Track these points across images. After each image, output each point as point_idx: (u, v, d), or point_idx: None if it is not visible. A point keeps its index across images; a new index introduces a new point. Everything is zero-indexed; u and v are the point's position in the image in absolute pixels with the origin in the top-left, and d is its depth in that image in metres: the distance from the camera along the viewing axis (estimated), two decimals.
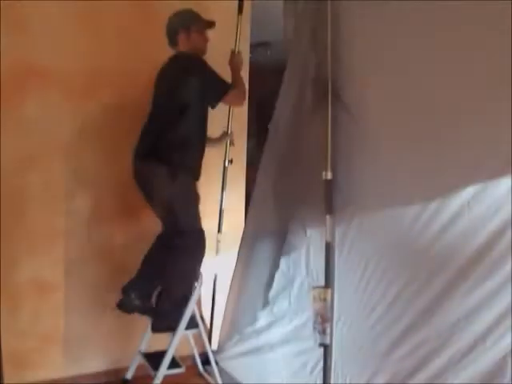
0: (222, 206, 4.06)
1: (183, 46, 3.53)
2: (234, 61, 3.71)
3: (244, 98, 3.65)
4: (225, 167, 4.04)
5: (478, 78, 2.23)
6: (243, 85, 3.66)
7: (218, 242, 4.01)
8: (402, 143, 2.60)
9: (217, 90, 3.42)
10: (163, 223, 3.50)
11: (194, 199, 3.44)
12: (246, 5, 4.01)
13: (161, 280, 3.53)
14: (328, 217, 2.91)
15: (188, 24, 3.53)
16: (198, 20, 3.59)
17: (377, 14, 2.74)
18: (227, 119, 4.00)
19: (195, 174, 3.47)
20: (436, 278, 2.36)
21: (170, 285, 3.50)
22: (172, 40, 3.54)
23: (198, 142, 3.48)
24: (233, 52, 3.78)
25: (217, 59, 3.53)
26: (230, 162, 4.06)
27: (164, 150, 3.37)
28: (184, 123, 3.37)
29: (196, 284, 3.52)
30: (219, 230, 4.05)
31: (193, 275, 3.52)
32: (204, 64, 3.41)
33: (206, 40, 3.61)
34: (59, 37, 3.60)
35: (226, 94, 3.42)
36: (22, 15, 3.49)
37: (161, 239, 3.52)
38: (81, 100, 3.69)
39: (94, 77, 3.71)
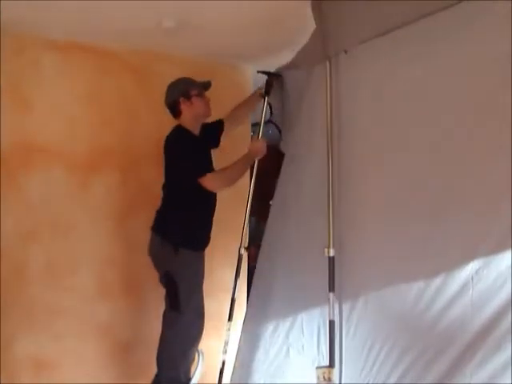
0: (235, 295, 3.70)
1: (186, 114, 3.46)
2: (253, 147, 3.55)
3: (224, 185, 3.44)
4: (240, 254, 3.73)
5: (476, 155, 2.29)
6: (236, 173, 3.45)
7: (228, 330, 3.67)
8: (404, 219, 2.62)
9: (189, 172, 3.32)
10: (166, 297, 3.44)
11: (196, 275, 3.40)
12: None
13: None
14: (331, 294, 2.90)
15: (187, 90, 3.46)
16: (195, 84, 3.52)
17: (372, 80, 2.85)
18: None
19: (199, 245, 3.44)
20: (443, 354, 2.31)
21: (159, 364, 3.40)
22: (174, 111, 3.47)
23: (200, 215, 3.44)
24: (253, 137, 3.68)
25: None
26: (246, 249, 3.76)
27: (166, 225, 3.39)
28: (177, 199, 3.40)
29: (197, 362, 3.45)
30: (230, 318, 3.68)
31: (184, 356, 3.41)
32: (181, 144, 3.37)
33: (207, 102, 3.53)
34: (62, 115, 3.70)
35: (201, 178, 3.28)
36: (27, 94, 3.60)
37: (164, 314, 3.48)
38: (83, 177, 3.75)
39: (98, 154, 3.78)
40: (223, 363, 3.68)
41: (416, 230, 2.53)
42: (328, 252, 2.92)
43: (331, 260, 2.91)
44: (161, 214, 3.46)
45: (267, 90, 3.70)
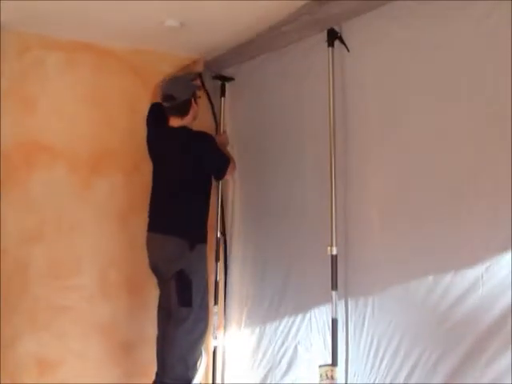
0: (217, 278, 3.93)
1: (191, 115, 3.51)
2: (220, 139, 3.81)
3: (235, 169, 3.72)
4: (217, 238, 3.96)
5: (488, 149, 2.28)
6: (233, 157, 3.72)
7: (215, 314, 3.84)
8: (412, 215, 2.61)
9: (223, 165, 3.52)
10: (169, 296, 3.42)
11: (206, 268, 3.48)
12: None
13: (158, 355, 3.45)
14: (333, 293, 2.90)
15: (196, 93, 3.57)
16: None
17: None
18: None
19: (206, 237, 3.53)
20: (453, 351, 2.33)
21: (164, 361, 3.40)
22: (184, 110, 3.47)
23: (208, 211, 3.55)
24: (219, 131, 3.94)
25: None
26: (222, 233, 3.98)
27: (185, 223, 3.39)
28: (200, 199, 3.46)
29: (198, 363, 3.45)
30: (216, 302, 3.90)
31: (193, 351, 3.40)
32: (215, 141, 3.51)
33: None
34: (65, 114, 3.70)
35: (228, 168, 3.54)
36: (30, 93, 3.60)
37: (163, 313, 3.47)
38: (86, 176, 3.75)
39: (101, 153, 3.78)
40: (215, 349, 3.77)
41: (424, 227, 2.53)
42: (331, 250, 2.92)
43: (334, 258, 2.91)
44: (175, 213, 3.43)
45: (223, 90, 4.05)
